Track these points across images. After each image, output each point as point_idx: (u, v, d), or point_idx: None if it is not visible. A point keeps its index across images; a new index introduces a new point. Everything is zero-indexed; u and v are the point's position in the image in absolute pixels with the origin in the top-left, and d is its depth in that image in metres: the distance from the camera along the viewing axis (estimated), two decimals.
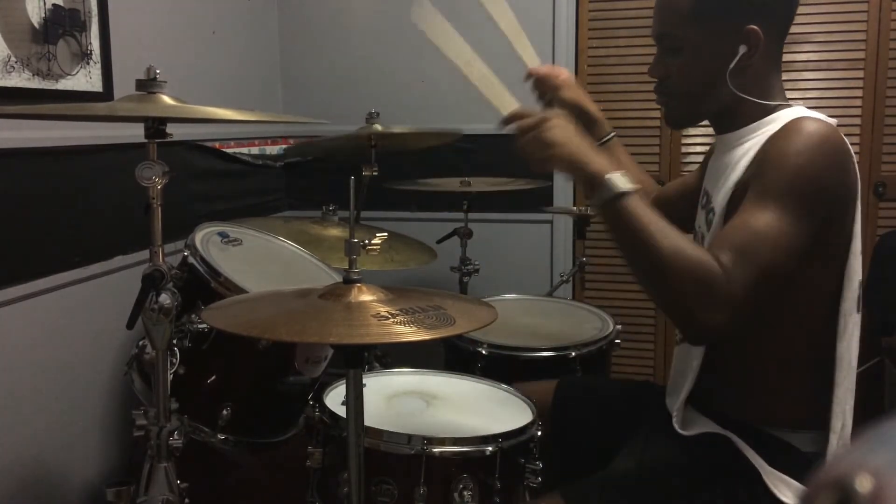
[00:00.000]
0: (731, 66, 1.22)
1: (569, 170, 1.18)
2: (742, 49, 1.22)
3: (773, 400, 1.24)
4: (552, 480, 1.34)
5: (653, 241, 1.08)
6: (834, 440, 1.19)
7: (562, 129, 1.18)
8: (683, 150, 2.65)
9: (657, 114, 2.58)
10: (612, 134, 1.61)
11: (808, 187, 1.11)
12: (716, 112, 1.31)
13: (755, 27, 1.21)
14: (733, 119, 1.28)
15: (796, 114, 1.21)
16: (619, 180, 1.11)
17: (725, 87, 1.24)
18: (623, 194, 1.10)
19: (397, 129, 2.11)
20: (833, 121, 1.20)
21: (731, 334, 1.09)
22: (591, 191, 1.14)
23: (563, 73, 1.60)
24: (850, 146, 1.17)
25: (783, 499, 1.17)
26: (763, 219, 1.10)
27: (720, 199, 1.24)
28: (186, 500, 1.31)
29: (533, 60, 1.56)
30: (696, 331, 1.12)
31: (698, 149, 2.62)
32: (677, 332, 1.36)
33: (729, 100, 1.25)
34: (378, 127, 2.04)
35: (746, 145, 1.24)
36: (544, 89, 1.58)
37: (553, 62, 2.62)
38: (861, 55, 2.49)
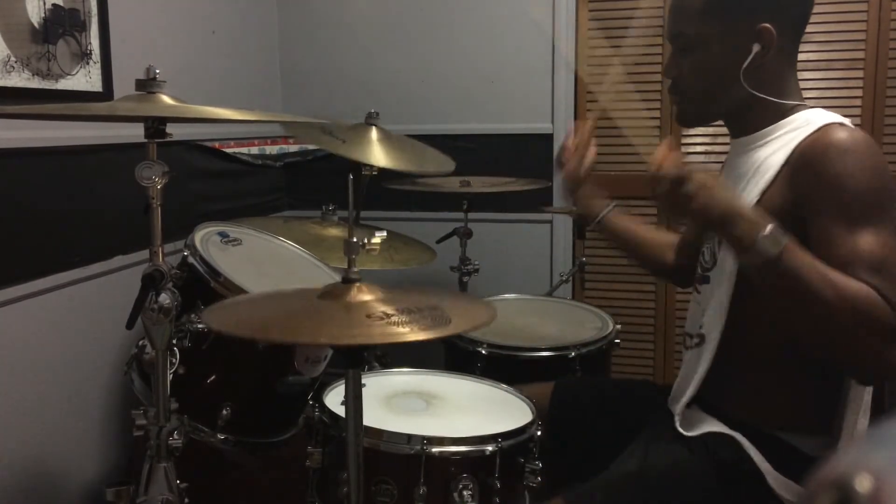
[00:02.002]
0: (745, 64, 1.21)
1: (714, 224, 1.10)
2: (755, 48, 1.21)
3: (782, 403, 1.24)
4: (552, 481, 1.34)
5: (814, 290, 1.02)
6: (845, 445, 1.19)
7: (705, 186, 1.08)
8: (683, 150, 2.64)
9: (657, 114, 2.58)
10: (613, 204, 1.58)
11: (883, 194, 1.11)
12: (729, 112, 1.30)
13: (768, 25, 1.20)
14: (749, 120, 1.27)
15: (821, 118, 1.19)
16: (775, 239, 1.03)
17: (739, 87, 1.23)
18: (781, 252, 1.03)
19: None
20: (847, 120, 1.20)
21: None
22: (741, 249, 1.07)
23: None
24: None
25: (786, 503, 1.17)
26: (869, 241, 1.06)
27: None
28: (186, 500, 1.31)
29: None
30: (882, 370, 1.09)
31: (698, 149, 2.62)
32: (687, 338, 1.35)
33: (743, 99, 1.24)
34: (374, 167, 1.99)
35: (768, 149, 1.22)
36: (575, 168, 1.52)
37: (553, 62, 2.62)
38: (861, 55, 2.48)
